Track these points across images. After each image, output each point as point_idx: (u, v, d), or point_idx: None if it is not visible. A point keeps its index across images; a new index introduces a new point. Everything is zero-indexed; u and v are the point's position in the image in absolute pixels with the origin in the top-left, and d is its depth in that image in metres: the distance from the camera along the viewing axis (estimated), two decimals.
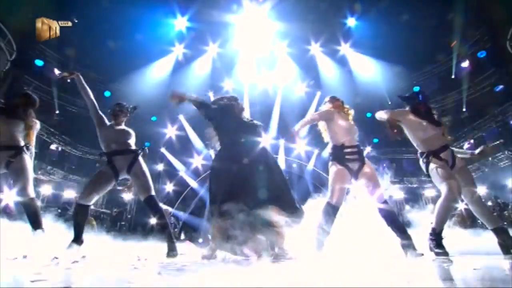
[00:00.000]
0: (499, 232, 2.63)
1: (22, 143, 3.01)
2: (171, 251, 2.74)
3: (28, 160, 3.00)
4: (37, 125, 3.24)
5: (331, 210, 2.71)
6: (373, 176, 2.79)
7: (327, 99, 3.27)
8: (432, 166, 2.82)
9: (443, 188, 2.67)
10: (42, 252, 1.98)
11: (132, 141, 3.19)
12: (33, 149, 3.15)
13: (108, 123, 3.24)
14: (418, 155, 2.97)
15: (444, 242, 2.63)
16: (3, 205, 6.04)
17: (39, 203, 2.97)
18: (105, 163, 3.06)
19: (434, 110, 3.07)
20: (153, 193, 2.95)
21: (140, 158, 3.06)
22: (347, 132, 2.93)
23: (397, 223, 2.68)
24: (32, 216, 2.83)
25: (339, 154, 2.85)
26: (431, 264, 1.90)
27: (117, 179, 3.04)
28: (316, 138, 13.06)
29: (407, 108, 3.07)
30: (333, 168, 2.85)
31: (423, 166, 2.92)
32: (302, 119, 3.10)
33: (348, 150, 2.84)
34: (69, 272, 1.23)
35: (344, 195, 2.78)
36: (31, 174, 2.97)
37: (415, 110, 2.99)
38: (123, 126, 3.27)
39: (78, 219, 2.93)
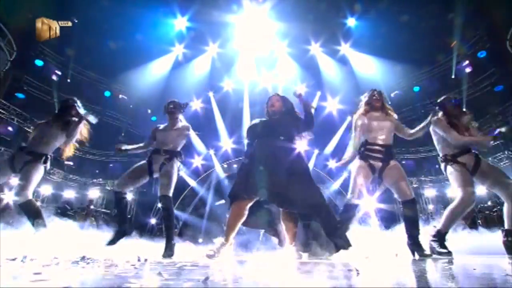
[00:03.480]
0: (510, 233, 2.61)
1: (45, 152, 3.09)
2: (168, 251, 2.79)
3: (40, 168, 3.05)
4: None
5: (351, 207, 2.72)
6: (397, 173, 2.74)
7: (363, 97, 3.13)
8: (450, 169, 2.82)
9: (458, 193, 2.68)
10: (42, 252, 1.98)
11: (180, 142, 3.24)
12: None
13: (161, 126, 3.35)
14: (439, 158, 2.98)
15: (446, 242, 2.64)
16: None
17: (38, 203, 3.01)
18: (146, 159, 3.18)
19: (467, 113, 3.07)
20: (170, 194, 3.03)
21: (175, 161, 3.12)
22: (370, 129, 2.90)
23: (413, 223, 2.64)
24: (32, 216, 2.86)
25: (361, 151, 2.86)
26: (431, 264, 1.90)
27: (151, 175, 3.14)
28: (316, 138, 13.08)
29: (440, 114, 3.03)
30: (355, 163, 2.86)
31: (442, 169, 2.92)
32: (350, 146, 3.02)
33: (370, 147, 2.82)
34: (69, 272, 1.23)
35: (363, 191, 2.75)
36: (35, 180, 3.02)
37: (450, 114, 2.97)
38: (178, 125, 3.33)
39: (117, 205, 3.10)
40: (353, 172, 2.82)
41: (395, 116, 3.03)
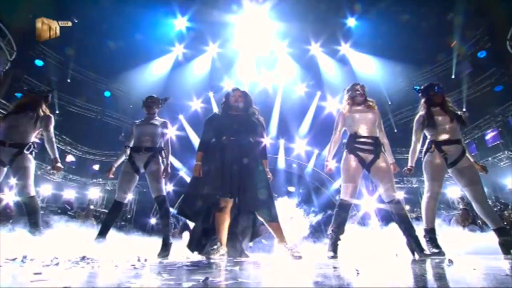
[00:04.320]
0: (501, 232, 2.62)
1: (28, 141, 3.00)
2: (164, 252, 2.78)
3: (31, 159, 3.01)
4: (51, 118, 3.18)
5: (344, 208, 2.70)
6: (386, 172, 2.70)
7: (346, 91, 3.14)
8: (427, 157, 2.84)
9: (425, 186, 2.83)
10: (42, 252, 1.98)
11: (159, 138, 3.21)
12: (53, 139, 3.14)
13: (138, 121, 3.34)
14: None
15: (442, 241, 2.64)
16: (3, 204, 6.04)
17: (39, 202, 3.00)
18: (127, 159, 3.14)
19: (450, 103, 3.02)
20: (164, 193, 3.04)
21: (159, 157, 3.11)
22: (355, 122, 2.87)
23: (406, 223, 2.62)
24: (32, 214, 2.85)
25: (350, 143, 2.81)
26: (431, 264, 1.90)
27: (139, 173, 3.13)
28: (316, 138, 13.07)
29: (422, 101, 3.04)
30: (344, 157, 2.81)
31: (422, 154, 2.93)
32: (328, 148, 3.03)
33: (361, 139, 2.78)
34: (69, 272, 1.23)
35: (355, 189, 2.71)
36: (32, 173, 2.99)
37: (430, 101, 2.96)
38: (155, 120, 3.31)
39: (112, 213, 3.10)
40: (342, 169, 2.78)
41: (377, 109, 2.99)
